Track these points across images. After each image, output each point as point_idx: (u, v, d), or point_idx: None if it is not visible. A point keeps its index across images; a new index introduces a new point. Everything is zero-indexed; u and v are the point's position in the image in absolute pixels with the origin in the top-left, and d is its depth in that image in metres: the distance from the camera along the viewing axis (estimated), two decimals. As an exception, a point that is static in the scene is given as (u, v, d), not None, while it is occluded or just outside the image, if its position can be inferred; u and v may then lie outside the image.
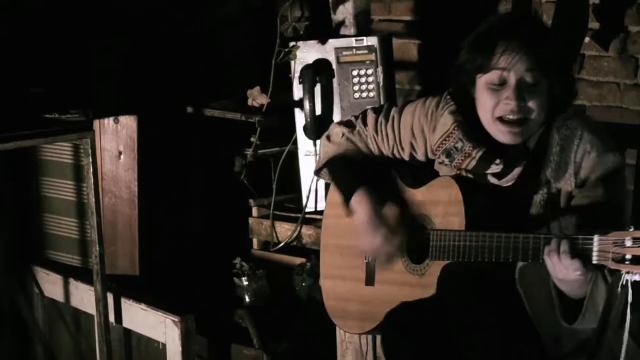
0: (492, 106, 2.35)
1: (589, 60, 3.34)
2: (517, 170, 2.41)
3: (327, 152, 2.72)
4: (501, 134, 2.35)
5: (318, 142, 3.17)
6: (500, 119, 2.34)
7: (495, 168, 2.38)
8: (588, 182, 2.32)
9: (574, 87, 2.49)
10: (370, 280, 2.60)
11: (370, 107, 2.76)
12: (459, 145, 2.44)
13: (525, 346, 2.42)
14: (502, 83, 2.33)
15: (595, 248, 2.12)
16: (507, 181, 2.41)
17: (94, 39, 3.70)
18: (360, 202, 2.54)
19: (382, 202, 2.56)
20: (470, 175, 2.46)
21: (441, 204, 2.47)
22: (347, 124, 2.69)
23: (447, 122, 2.45)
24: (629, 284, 2.08)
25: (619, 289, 2.12)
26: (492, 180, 2.43)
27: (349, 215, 2.59)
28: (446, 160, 2.47)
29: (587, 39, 3.33)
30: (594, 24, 3.31)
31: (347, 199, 2.58)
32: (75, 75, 3.63)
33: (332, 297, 2.77)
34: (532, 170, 2.39)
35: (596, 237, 2.11)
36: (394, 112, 2.61)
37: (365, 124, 2.66)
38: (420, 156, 2.59)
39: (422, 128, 2.54)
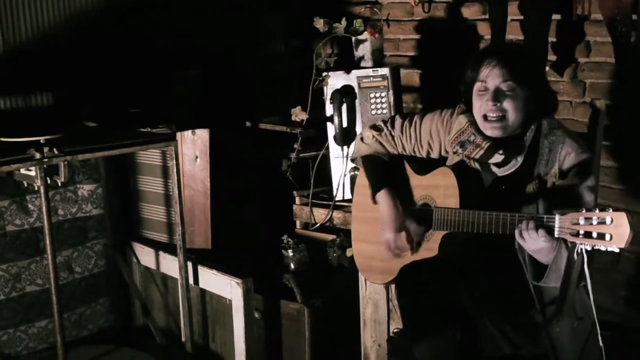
0: (479, 106, 2.40)
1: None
2: (514, 163, 2.42)
3: (360, 149, 2.76)
4: (487, 130, 2.40)
5: (345, 147, 3.25)
6: (485, 117, 2.38)
7: (498, 157, 2.40)
8: (569, 174, 2.34)
9: (548, 94, 2.54)
10: (394, 252, 2.64)
11: (398, 114, 2.80)
12: (472, 138, 2.44)
13: (517, 303, 2.41)
14: (485, 90, 2.38)
15: (557, 225, 2.15)
16: (506, 170, 2.44)
17: (177, 72, 3.72)
18: (383, 199, 2.62)
19: (397, 198, 2.60)
20: (476, 164, 2.46)
21: (441, 188, 2.51)
22: (377, 128, 2.73)
23: (462, 122, 2.48)
24: (583, 251, 2.14)
25: (575, 255, 2.16)
26: (494, 169, 2.44)
27: (375, 203, 2.65)
28: (460, 150, 2.46)
29: (547, 68, 3.33)
30: (552, 57, 3.34)
31: (374, 193, 2.65)
32: (162, 98, 3.69)
33: (360, 256, 2.84)
34: (527, 167, 2.41)
35: (557, 217, 2.15)
36: (416, 118, 2.65)
37: (393, 126, 2.69)
38: (435, 154, 2.61)
39: (439, 132, 2.58)
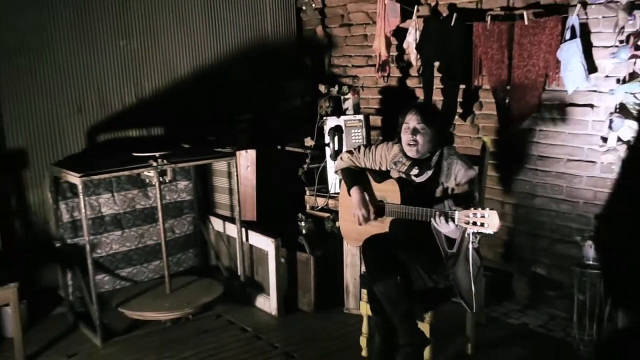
0: (404, 138, 2.50)
1: (457, 126, 3.53)
2: (425, 175, 2.52)
3: (340, 164, 2.81)
4: (408, 152, 2.50)
5: (335, 162, 3.06)
6: (407, 144, 2.49)
7: (414, 171, 2.52)
8: (460, 183, 2.44)
9: (446, 134, 2.70)
10: (359, 223, 2.68)
11: (362, 145, 2.80)
12: (401, 159, 2.54)
13: (434, 257, 2.46)
14: (408, 128, 2.47)
15: (457, 217, 2.25)
16: (421, 179, 2.54)
17: (237, 115, 3.83)
18: (354, 192, 2.64)
19: (363, 190, 2.62)
20: (403, 174, 2.55)
21: (390, 191, 2.60)
22: (349, 152, 2.79)
23: (396, 150, 2.59)
24: (471, 234, 2.23)
25: (466, 235, 2.28)
26: (414, 177, 2.54)
27: (350, 195, 2.68)
28: (394, 167, 2.57)
29: (456, 116, 3.48)
30: (459, 110, 3.48)
31: (349, 190, 2.68)
32: (229, 131, 3.79)
33: (343, 228, 2.88)
34: (434, 177, 2.50)
35: (457, 213, 2.25)
36: (372, 147, 2.72)
37: (359, 151, 2.74)
38: (383, 169, 2.68)
39: (385, 155, 2.65)
